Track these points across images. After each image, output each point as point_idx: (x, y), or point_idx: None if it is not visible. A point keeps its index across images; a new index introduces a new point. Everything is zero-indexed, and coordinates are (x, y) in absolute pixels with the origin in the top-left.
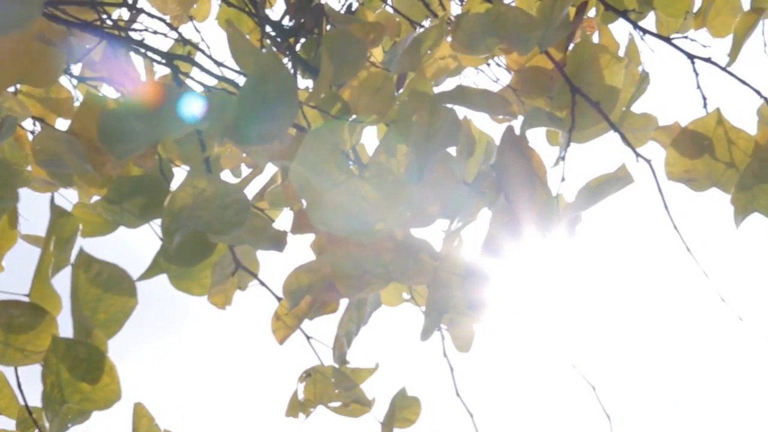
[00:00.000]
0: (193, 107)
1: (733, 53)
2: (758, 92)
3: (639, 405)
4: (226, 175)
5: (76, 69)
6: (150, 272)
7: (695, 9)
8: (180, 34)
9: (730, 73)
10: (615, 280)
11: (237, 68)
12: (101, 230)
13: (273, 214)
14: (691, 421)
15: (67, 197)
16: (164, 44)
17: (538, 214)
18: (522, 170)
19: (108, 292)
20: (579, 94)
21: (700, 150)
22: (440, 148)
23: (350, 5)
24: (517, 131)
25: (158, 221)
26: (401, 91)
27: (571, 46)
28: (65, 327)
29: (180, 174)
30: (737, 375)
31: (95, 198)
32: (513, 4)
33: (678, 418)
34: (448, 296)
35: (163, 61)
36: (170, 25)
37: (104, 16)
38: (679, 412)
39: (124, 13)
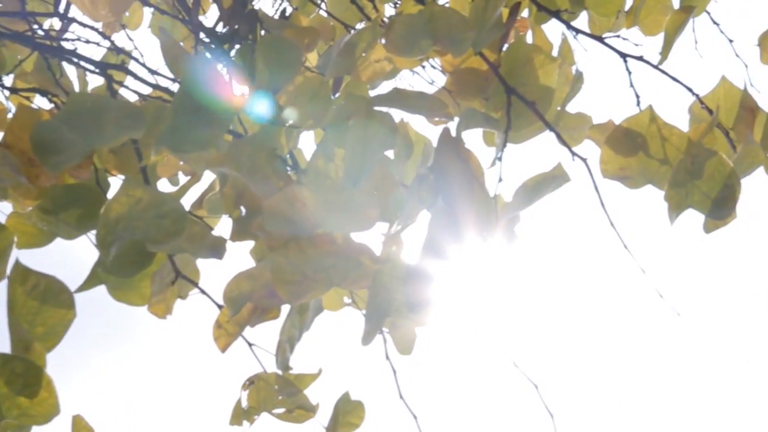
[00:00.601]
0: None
1: (665, 51)
2: (690, 89)
3: (581, 402)
4: (163, 184)
5: (8, 80)
6: (88, 283)
7: (626, 8)
8: (113, 43)
9: (662, 71)
10: (554, 279)
11: (172, 76)
12: (37, 241)
13: (212, 222)
14: (632, 416)
15: (2, 209)
16: (97, 53)
17: (476, 215)
18: (459, 172)
19: (45, 304)
20: (514, 94)
21: (634, 147)
22: (378, 151)
23: (284, 10)
24: (454, 133)
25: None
26: (337, 95)
27: (505, 47)
28: (3, 341)
29: (117, 184)
30: (675, 368)
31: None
32: (446, 6)
33: (619, 413)
34: (389, 299)
35: (97, 70)
36: (103, 34)
37: (36, 27)
38: (621, 407)
39: (55, 23)
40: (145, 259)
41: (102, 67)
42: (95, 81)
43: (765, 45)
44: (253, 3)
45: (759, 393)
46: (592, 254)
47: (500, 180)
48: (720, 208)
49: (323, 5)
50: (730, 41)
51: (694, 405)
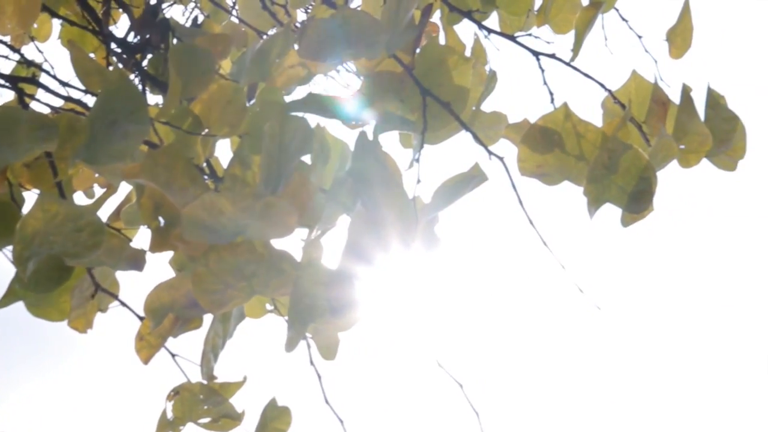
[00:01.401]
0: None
1: (576, 48)
2: (602, 85)
3: (505, 399)
4: (79, 197)
5: None
6: (5, 300)
7: (537, 7)
8: (22, 56)
9: (575, 68)
10: (476, 278)
11: (84, 88)
12: None
13: (130, 233)
14: (556, 412)
15: None
16: (6, 67)
17: (396, 218)
18: (378, 175)
19: None
20: (429, 95)
21: (550, 145)
22: (295, 157)
23: (196, 18)
24: (371, 136)
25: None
26: (252, 101)
27: (418, 49)
28: None
29: (32, 198)
30: (597, 362)
31: None
32: (359, 9)
33: (543, 410)
34: (312, 305)
35: (7, 84)
36: (11, 47)
37: None
38: (544, 403)
39: None
40: (64, 274)
41: (12, 80)
42: (6, 95)
43: (673, 40)
44: (164, 12)
45: (677, 385)
46: (513, 252)
47: (418, 181)
48: (637, 201)
49: (235, 12)
50: (639, 37)
51: (616, 400)
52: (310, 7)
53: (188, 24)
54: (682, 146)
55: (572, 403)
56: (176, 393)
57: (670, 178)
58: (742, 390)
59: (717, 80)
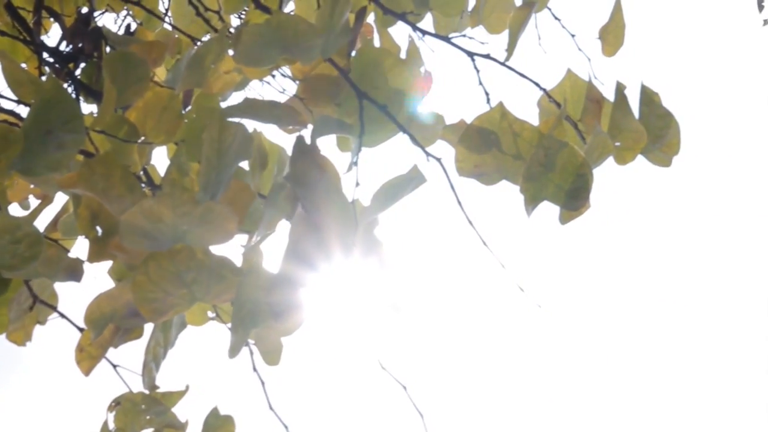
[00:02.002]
0: None
1: (510, 48)
2: (537, 84)
3: (449, 401)
4: (14, 208)
5: None
6: None
7: (470, 8)
8: None
9: (509, 68)
10: (418, 279)
11: (17, 98)
12: None
13: (67, 244)
14: (499, 412)
15: None
16: None
17: (336, 221)
18: (316, 179)
19: None
20: (366, 98)
21: (487, 144)
22: (233, 163)
23: (129, 26)
24: (309, 140)
25: None
26: (188, 108)
27: (353, 52)
28: None
29: None
30: (539, 360)
31: None
32: (293, 14)
33: (486, 409)
34: (254, 311)
35: None
36: None
37: None
38: (488, 404)
39: None
40: (1, 287)
41: None
42: None
43: (606, 38)
44: (96, 20)
45: (617, 382)
46: (453, 253)
47: (357, 184)
48: (574, 198)
49: (168, 19)
50: (572, 36)
51: (557, 397)
52: (244, 13)
53: (121, 32)
54: (618, 143)
55: (515, 402)
56: (118, 404)
57: (606, 175)
58: (680, 387)
59: (650, 77)
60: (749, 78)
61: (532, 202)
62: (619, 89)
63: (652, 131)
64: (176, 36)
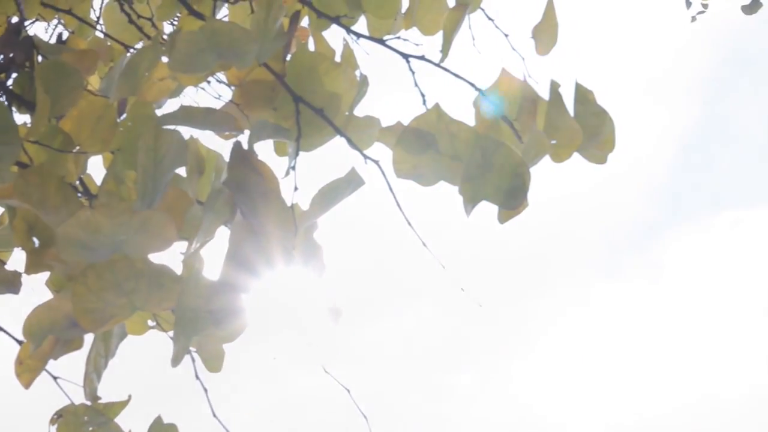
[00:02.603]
0: None
1: (445, 49)
2: (472, 84)
3: (393, 403)
4: None
5: None
6: None
7: (404, 9)
8: None
9: (444, 68)
10: (361, 281)
11: None
12: None
13: (4, 256)
14: (441, 412)
15: None
16: None
17: (275, 226)
18: (254, 184)
19: None
20: (302, 102)
21: (424, 146)
22: (169, 170)
23: (60, 35)
24: (246, 146)
25: None
26: (123, 116)
27: (288, 56)
28: None
29: None
30: (479, 360)
31: None
32: (227, 19)
33: (429, 410)
34: (195, 318)
35: None
36: None
37: None
38: (431, 405)
39: None
40: None
41: None
42: None
43: (539, 37)
44: (27, 29)
45: (557, 379)
46: (394, 254)
47: (296, 189)
48: (512, 198)
49: (100, 27)
50: (506, 35)
51: (498, 396)
52: (177, 19)
53: (53, 41)
54: (554, 142)
55: (456, 402)
56: (59, 416)
57: (543, 173)
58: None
59: (584, 75)
60: (679, 72)
61: (470, 202)
62: (554, 88)
63: (587, 129)
64: (109, 44)
